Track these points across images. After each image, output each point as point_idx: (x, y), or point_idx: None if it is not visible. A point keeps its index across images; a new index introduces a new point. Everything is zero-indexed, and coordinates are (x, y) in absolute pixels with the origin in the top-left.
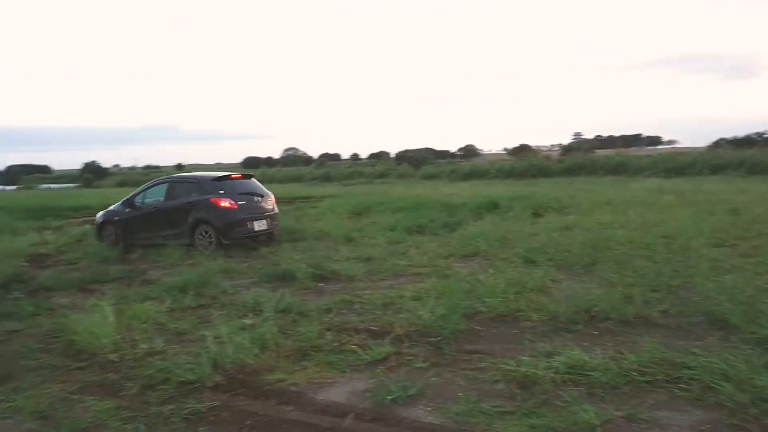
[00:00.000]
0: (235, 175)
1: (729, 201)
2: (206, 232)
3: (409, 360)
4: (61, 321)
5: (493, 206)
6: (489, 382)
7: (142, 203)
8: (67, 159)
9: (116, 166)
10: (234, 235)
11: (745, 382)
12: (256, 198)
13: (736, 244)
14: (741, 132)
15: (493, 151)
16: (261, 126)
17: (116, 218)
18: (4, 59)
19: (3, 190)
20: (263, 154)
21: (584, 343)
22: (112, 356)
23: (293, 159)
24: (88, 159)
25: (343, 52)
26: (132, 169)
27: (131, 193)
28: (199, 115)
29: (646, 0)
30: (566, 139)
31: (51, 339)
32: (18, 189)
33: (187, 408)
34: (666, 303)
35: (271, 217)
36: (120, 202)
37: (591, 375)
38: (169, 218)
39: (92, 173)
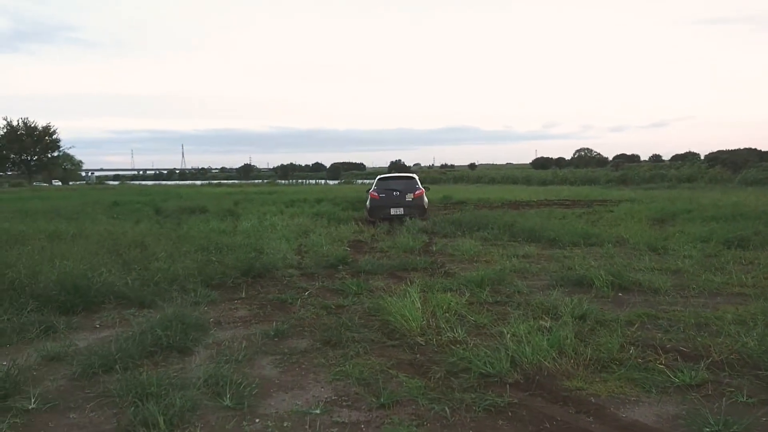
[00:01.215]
0: (395, 175)
1: None
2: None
3: (730, 391)
4: (377, 302)
5: None
6: None
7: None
8: (378, 157)
9: (417, 164)
10: (374, 215)
11: None
12: (395, 192)
13: None
14: None
15: None
16: (553, 126)
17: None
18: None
19: (327, 184)
20: (554, 155)
21: None
22: (420, 339)
23: (586, 160)
24: (394, 158)
25: (641, 43)
26: (430, 167)
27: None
28: (496, 116)
29: None
30: None
31: (369, 316)
32: (339, 183)
33: (487, 400)
34: None
35: (408, 206)
36: None
37: None
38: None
39: (398, 171)
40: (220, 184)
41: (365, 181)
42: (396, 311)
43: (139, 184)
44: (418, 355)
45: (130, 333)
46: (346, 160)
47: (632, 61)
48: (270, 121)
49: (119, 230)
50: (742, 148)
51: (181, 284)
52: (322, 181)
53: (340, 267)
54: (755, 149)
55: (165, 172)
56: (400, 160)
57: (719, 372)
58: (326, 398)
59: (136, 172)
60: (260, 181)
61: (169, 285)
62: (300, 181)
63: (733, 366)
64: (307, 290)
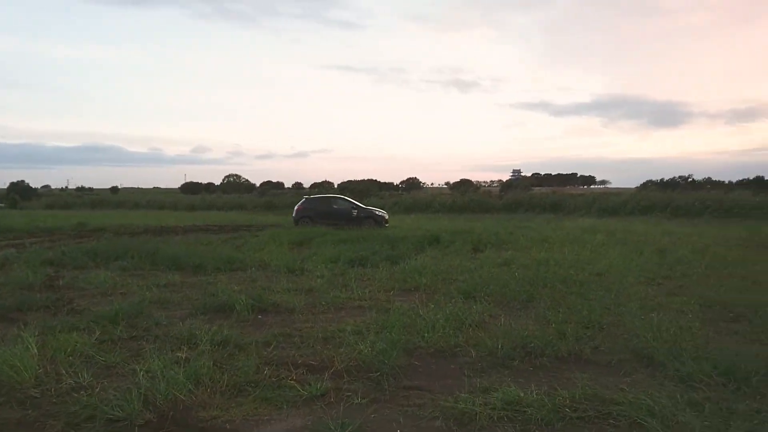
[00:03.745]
0: (305, 197)
1: (656, 241)
2: None
3: (348, 396)
4: None
5: (434, 240)
6: (427, 419)
7: None
8: None
9: (46, 186)
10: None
11: (669, 419)
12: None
13: (662, 282)
14: (668, 174)
15: (435, 185)
16: (203, 152)
17: None
18: None
19: None
20: (204, 180)
21: (520, 379)
22: (34, 391)
23: (235, 185)
24: (17, 178)
25: (294, 82)
26: (63, 190)
27: None
28: (143, 138)
29: (580, 44)
30: (506, 176)
31: None
32: None
33: None
34: (597, 340)
35: (293, 213)
36: None
37: (526, 411)
38: None
39: (19, 193)
40: None
41: None
42: (2, 362)
43: None
44: (30, 411)
45: None
46: None
47: (277, 95)
48: None
49: None
50: (366, 179)
51: None
52: None
53: None
54: (376, 180)
55: None
56: (23, 181)
57: (340, 379)
58: None
59: None
60: None
61: None
62: None
63: (352, 372)
64: None
